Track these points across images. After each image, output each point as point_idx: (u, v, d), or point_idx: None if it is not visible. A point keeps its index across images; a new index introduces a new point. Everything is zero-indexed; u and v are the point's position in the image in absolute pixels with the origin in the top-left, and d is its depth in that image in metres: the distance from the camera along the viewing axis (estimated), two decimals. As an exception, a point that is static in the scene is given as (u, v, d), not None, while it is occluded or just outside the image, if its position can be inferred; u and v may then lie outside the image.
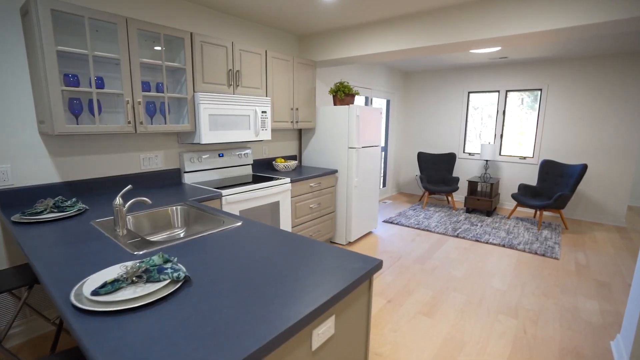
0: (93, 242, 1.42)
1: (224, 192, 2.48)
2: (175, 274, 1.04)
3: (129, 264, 1.08)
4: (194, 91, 2.52)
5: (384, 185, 6.25)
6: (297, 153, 4.03)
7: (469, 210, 5.11)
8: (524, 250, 3.62)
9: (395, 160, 6.41)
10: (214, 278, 1.09)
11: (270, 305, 0.93)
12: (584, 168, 4.21)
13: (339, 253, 1.31)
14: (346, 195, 3.65)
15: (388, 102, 5.97)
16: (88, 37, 1.92)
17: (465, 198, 5.05)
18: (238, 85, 2.82)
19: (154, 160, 2.67)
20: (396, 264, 3.30)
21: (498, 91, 5.38)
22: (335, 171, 3.59)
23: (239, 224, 1.68)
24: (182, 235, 1.99)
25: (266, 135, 3.04)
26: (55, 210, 1.81)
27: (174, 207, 2.03)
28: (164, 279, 1.03)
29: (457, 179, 5.36)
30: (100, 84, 2.12)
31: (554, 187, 4.62)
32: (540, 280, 2.95)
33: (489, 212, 4.91)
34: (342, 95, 3.58)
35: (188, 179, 2.83)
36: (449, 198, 5.73)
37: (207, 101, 2.53)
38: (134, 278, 1.01)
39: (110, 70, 2.30)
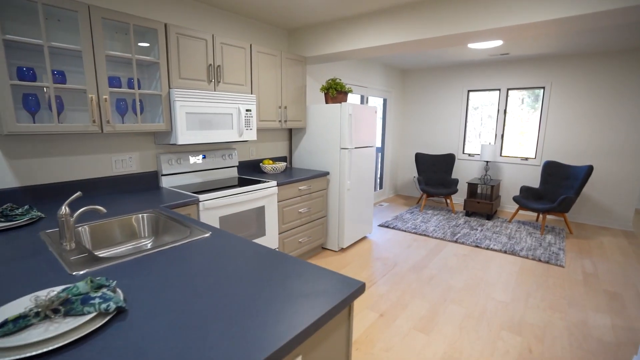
0: (30, 258, 1.22)
1: (202, 197, 2.27)
2: (103, 305, 0.84)
3: (43, 293, 0.88)
4: (169, 87, 2.32)
5: (381, 187, 6.05)
6: (288, 154, 3.83)
7: (469, 213, 4.91)
8: (527, 257, 3.42)
9: (392, 162, 6.21)
10: (154, 309, 0.89)
11: (212, 351, 0.72)
12: (589, 170, 4.01)
13: (315, 273, 1.10)
14: (338, 199, 3.44)
15: (385, 101, 5.78)
16: (42, 25, 1.72)
17: (465, 201, 4.85)
18: (219, 82, 2.62)
19: (127, 163, 2.46)
20: (391, 272, 3.09)
21: (499, 89, 5.18)
22: (327, 173, 3.39)
23: (207, 235, 1.48)
24: (149, 246, 1.79)
25: (251, 135, 2.84)
26: (3, 220, 1.60)
27: (141, 215, 1.83)
28: (89, 312, 0.83)
29: (456, 181, 5.16)
30: (60, 78, 1.92)
31: (557, 189, 4.42)
32: (545, 291, 2.75)
33: (490, 216, 4.70)
34: (334, 93, 3.38)
35: (166, 182, 2.63)
36: (448, 201, 5.53)
37: (183, 98, 2.33)
38: (47, 312, 0.81)
39: (74, 64, 2.10)
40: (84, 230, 1.62)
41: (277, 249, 3.00)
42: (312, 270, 1.12)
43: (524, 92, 5.02)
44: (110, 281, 0.98)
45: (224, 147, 3.09)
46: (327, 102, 3.50)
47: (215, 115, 2.55)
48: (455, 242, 3.86)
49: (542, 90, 4.87)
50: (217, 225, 2.39)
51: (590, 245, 3.86)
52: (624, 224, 4.50)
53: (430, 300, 2.61)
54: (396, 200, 5.93)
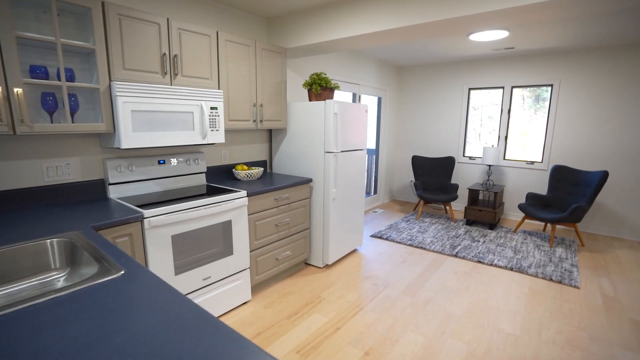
0: None
1: (148, 212, 1.87)
2: None
3: None
4: (109, 80, 1.92)
5: (375, 192, 5.65)
6: (268, 158, 3.42)
7: (470, 222, 4.51)
8: (536, 276, 3.02)
9: (388, 165, 5.81)
10: None
11: None
12: (604, 175, 3.61)
13: (228, 348, 0.70)
14: (323, 210, 3.04)
15: (379, 100, 5.38)
16: None
17: (466, 208, 4.45)
18: (177, 74, 2.22)
19: (64, 170, 2.06)
20: (381, 294, 2.69)
21: (502, 87, 4.78)
22: (310, 180, 2.99)
23: (118, 275, 1.08)
24: (60, 283, 1.38)
25: (218, 137, 2.43)
26: None
27: (53, 240, 1.43)
28: None
29: (456, 187, 4.76)
30: (-43, 66, 1.52)
31: (567, 197, 4.02)
32: (560, 321, 2.35)
33: (492, 225, 4.30)
34: (318, 89, 2.98)
35: (115, 192, 2.22)
36: (447, 208, 5.13)
37: (128, 93, 1.93)
38: None
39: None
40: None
41: (248, 269, 2.63)
42: (227, 341, 0.72)
43: (526, 91, 4.63)
44: None
45: (189, 150, 2.69)
46: (310, 100, 3.10)
47: (171, 114, 2.15)
48: (455, 256, 3.46)
49: (549, 88, 4.47)
50: (169, 246, 1.99)
51: (606, 259, 3.46)
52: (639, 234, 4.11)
53: (425, 332, 2.20)
54: (392, 207, 5.53)
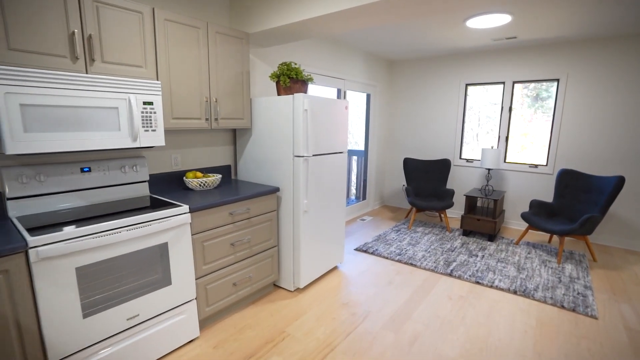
0: None
1: (35, 239, 1.40)
2: None
3: None
4: (-13, 63, 1.45)
5: (364, 197, 5.18)
6: (232, 163, 2.96)
7: (467, 232, 4.06)
8: (545, 302, 2.56)
9: (378, 168, 5.34)
10: None
11: None
12: (619, 181, 3.16)
13: None
14: (292, 224, 2.58)
15: (368, 97, 4.92)
16: None
17: (462, 217, 3.99)
18: (94, 60, 1.75)
19: (-59, 182, 1.59)
20: (359, 328, 2.23)
21: (503, 83, 4.33)
22: (276, 190, 2.52)
23: None
24: None
25: (155, 139, 1.97)
26: None
27: None
28: None
29: (451, 192, 4.31)
30: None
31: (576, 204, 3.57)
32: (578, 366, 1.89)
33: (492, 237, 3.85)
34: (287, 81, 2.52)
35: (15, 209, 1.75)
36: (442, 216, 4.67)
37: (15, 81, 1.46)
38: None
39: None
40: None
41: (193, 300, 2.10)
42: None
43: (525, 90, 4.17)
44: None
45: (125, 155, 2.22)
46: (279, 94, 2.64)
47: (86, 109, 1.68)
48: (450, 275, 3.00)
49: (555, 83, 4.02)
50: (72, 282, 1.52)
51: (623, 278, 3.01)
52: (657, 246, 3.66)
53: (409, 385, 1.74)
54: (382, 213, 5.07)
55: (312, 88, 3.87)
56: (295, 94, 2.41)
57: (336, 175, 2.87)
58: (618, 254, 3.63)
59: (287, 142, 2.48)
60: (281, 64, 2.58)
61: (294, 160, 2.47)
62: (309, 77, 2.64)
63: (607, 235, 3.90)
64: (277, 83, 2.60)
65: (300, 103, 2.36)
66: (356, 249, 3.61)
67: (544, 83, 4.09)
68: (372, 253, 3.49)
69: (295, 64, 2.65)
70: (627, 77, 3.59)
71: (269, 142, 2.60)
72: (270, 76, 2.61)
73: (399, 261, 3.29)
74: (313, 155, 2.55)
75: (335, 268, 3.16)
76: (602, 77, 3.72)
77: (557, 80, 3.97)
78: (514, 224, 4.46)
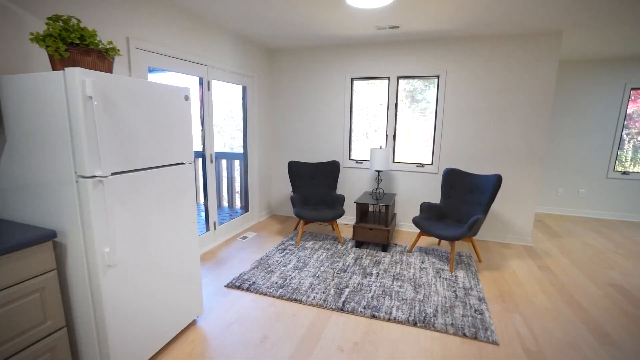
0: None
1: None
2: None
3: None
4: None
5: (247, 210, 4.33)
6: (-17, 187, 1.73)
7: (360, 243, 3.62)
8: (447, 332, 2.18)
9: (262, 172, 4.56)
10: None
11: None
12: (498, 180, 3.10)
13: None
14: (90, 288, 1.55)
15: (244, 90, 4.06)
16: None
17: (354, 227, 3.53)
18: None
19: None
20: None
21: (388, 77, 4.03)
22: (52, 235, 1.46)
23: None
24: None
25: None
26: None
27: None
28: None
29: (342, 199, 3.82)
30: None
31: (461, 205, 3.45)
32: None
33: (385, 246, 3.48)
34: (63, 48, 1.47)
35: None
36: (333, 225, 4.17)
37: None
38: None
39: None
40: None
41: None
42: None
43: (407, 84, 3.98)
44: None
45: None
46: (54, 69, 1.56)
47: None
48: (342, 310, 2.41)
49: (436, 80, 3.89)
50: None
51: (506, 279, 2.93)
52: (523, 238, 3.85)
53: None
54: (269, 226, 4.30)
55: (161, 76, 2.81)
56: (66, 68, 1.38)
57: (176, 196, 1.94)
58: (494, 248, 3.69)
59: (63, 154, 1.44)
60: (51, 19, 1.51)
61: (79, 184, 1.45)
62: (112, 49, 1.63)
63: (484, 232, 3.97)
64: (48, 50, 1.52)
65: (78, 84, 1.36)
66: (227, 286, 2.74)
67: (426, 81, 3.92)
68: (247, 289, 2.68)
69: (80, 21, 1.61)
70: (498, 74, 3.63)
71: (36, 154, 1.51)
72: (31, 38, 1.50)
73: (281, 297, 2.56)
74: (115, 174, 1.56)
75: (191, 325, 2.23)
76: (476, 75, 3.70)
77: (437, 77, 3.84)
78: (406, 226, 4.26)
